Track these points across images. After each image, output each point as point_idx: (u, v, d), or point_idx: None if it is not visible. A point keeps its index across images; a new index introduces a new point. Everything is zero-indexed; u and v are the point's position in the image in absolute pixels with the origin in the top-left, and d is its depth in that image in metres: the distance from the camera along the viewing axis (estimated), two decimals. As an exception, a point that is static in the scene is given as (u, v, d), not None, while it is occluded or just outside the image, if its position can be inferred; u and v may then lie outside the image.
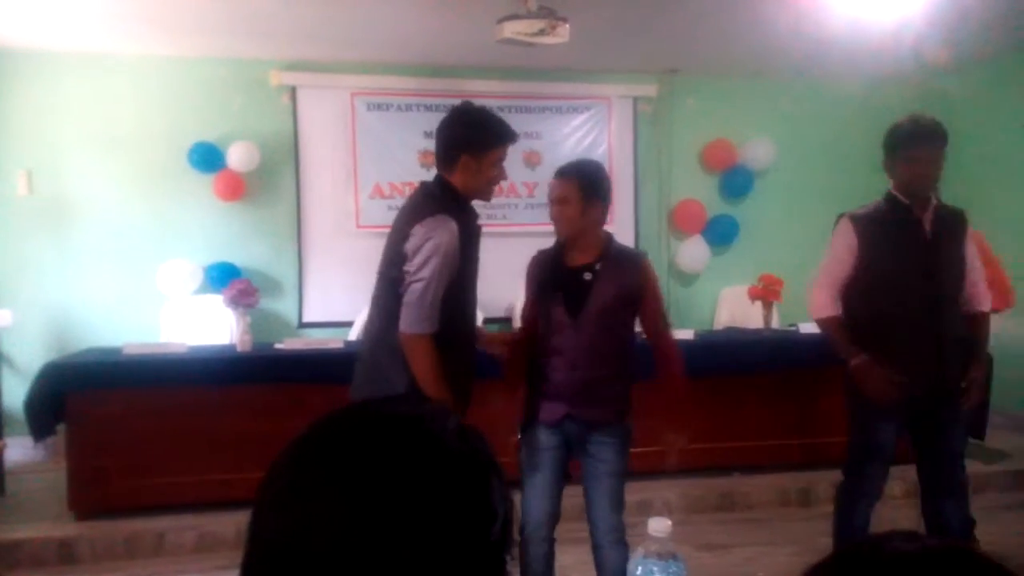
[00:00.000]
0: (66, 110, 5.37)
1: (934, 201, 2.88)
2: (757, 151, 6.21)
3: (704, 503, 4.33)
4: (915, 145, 2.79)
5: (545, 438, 2.70)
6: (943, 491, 2.88)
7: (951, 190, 5.97)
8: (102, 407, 3.89)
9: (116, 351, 4.23)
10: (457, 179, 2.59)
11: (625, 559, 2.59)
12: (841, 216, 2.97)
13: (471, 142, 2.58)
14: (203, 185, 5.48)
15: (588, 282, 2.64)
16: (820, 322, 2.99)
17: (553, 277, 2.68)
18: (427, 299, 2.46)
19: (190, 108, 5.52)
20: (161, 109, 5.49)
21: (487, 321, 5.36)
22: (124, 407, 3.90)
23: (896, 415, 2.86)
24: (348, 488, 0.62)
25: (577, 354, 2.64)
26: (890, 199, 2.90)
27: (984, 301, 2.96)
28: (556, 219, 2.66)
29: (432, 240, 2.46)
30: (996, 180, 5.70)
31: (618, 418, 2.70)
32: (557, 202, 2.64)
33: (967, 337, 2.90)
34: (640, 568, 1.02)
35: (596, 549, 2.72)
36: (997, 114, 5.74)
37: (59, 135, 5.36)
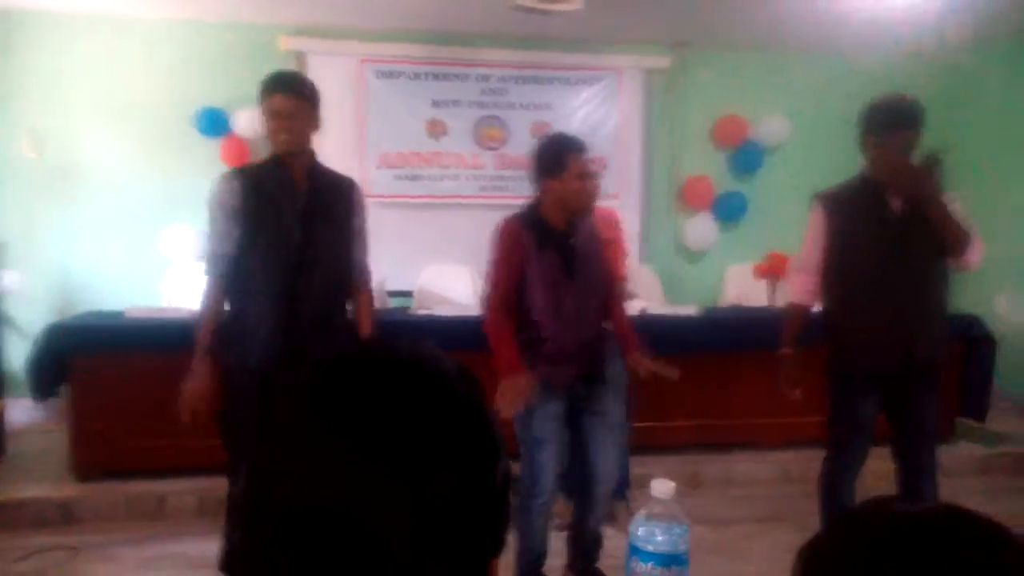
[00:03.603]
0: (74, 72, 5.32)
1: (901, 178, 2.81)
2: (769, 127, 6.14)
3: (705, 479, 4.32)
4: (889, 131, 2.73)
5: (554, 404, 2.71)
6: (920, 469, 2.87)
7: (970, 168, 5.93)
8: (104, 370, 3.88)
9: (118, 314, 4.22)
10: None
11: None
12: (815, 197, 2.99)
13: None
14: (210, 150, 5.44)
15: (574, 245, 2.72)
16: (788, 305, 3.08)
17: (548, 239, 2.69)
18: None
19: (198, 73, 5.47)
20: (169, 73, 5.45)
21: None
22: (126, 370, 3.89)
23: (872, 390, 2.88)
24: (357, 435, 0.59)
25: (579, 314, 2.70)
26: (861, 177, 2.89)
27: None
28: (591, 193, 2.69)
29: None
30: (1016, 158, 5.63)
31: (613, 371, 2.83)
32: (594, 176, 2.71)
33: (944, 312, 2.89)
34: (642, 529, 1.00)
35: (590, 509, 2.78)
36: (1018, 91, 5.65)
37: (67, 98, 5.32)
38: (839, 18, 4.75)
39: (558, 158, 2.66)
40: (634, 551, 1.01)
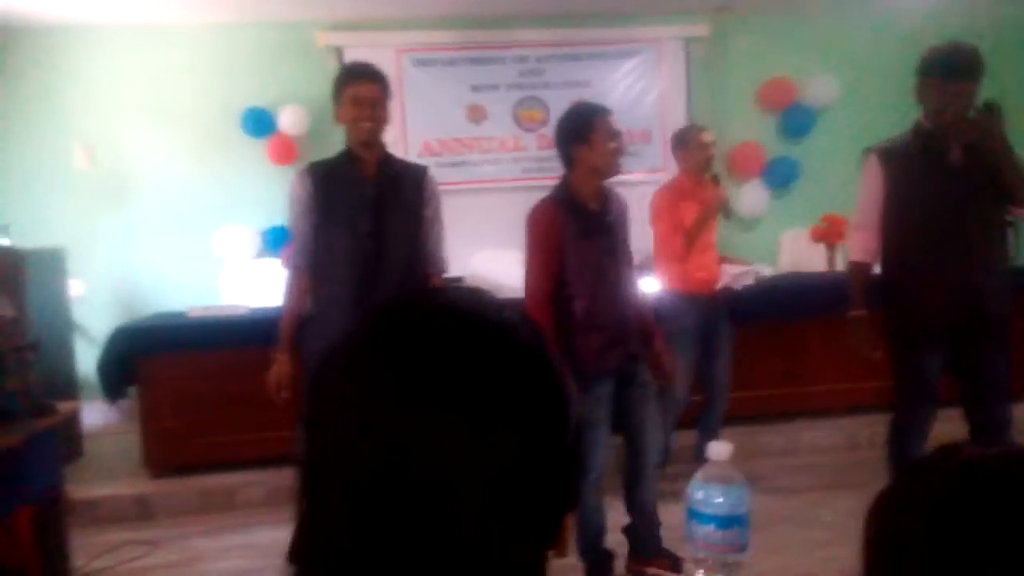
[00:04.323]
0: (121, 82, 5.46)
1: (965, 127, 2.71)
2: (818, 88, 5.97)
3: (770, 448, 4.26)
4: (950, 78, 2.64)
5: (603, 388, 2.69)
6: (992, 427, 2.77)
7: (1019, 118, 5.69)
8: (170, 369, 4.00)
9: (180, 315, 4.34)
10: None
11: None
12: (867, 151, 2.89)
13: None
14: (256, 150, 5.53)
15: (611, 223, 2.70)
16: (850, 264, 3.00)
17: (589, 223, 2.66)
18: None
19: (240, 74, 5.56)
20: (212, 77, 5.55)
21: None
22: (191, 368, 4.01)
23: (937, 349, 2.79)
24: (418, 383, 0.54)
25: (622, 293, 2.71)
26: (916, 129, 2.79)
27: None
28: (621, 154, 2.68)
29: None
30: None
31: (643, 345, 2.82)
32: (622, 139, 2.71)
33: (1010, 264, 2.80)
34: (701, 492, 0.99)
35: (646, 477, 2.78)
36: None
37: (115, 107, 5.46)
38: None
39: (585, 121, 2.63)
40: (693, 514, 1.00)
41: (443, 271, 2.88)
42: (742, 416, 4.35)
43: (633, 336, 2.75)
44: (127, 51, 5.45)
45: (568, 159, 2.67)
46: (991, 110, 2.63)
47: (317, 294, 2.74)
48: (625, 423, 2.80)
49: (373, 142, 2.69)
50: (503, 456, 0.55)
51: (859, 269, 2.94)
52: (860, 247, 2.94)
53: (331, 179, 2.70)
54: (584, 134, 2.60)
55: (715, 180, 3.67)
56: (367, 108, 2.63)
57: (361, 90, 2.63)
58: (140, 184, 5.52)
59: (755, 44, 6.04)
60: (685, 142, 3.80)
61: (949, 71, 2.65)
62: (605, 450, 2.73)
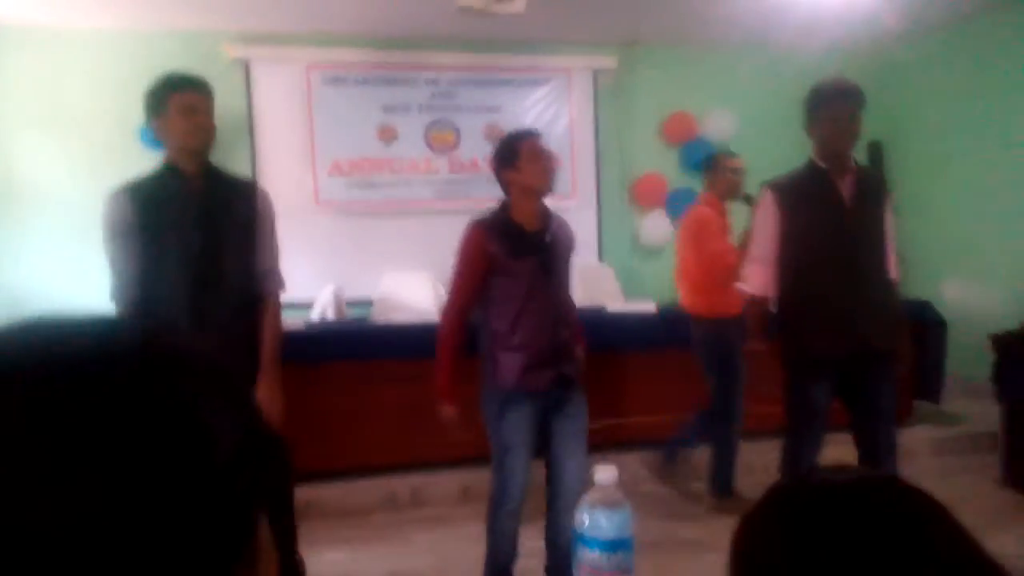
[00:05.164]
0: (11, 86, 5.19)
1: (853, 166, 2.91)
2: (717, 123, 6.22)
3: (671, 472, 4.34)
4: (836, 102, 2.82)
5: (528, 409, 2.68)
6: (879, 452, 2.91)
7: (902, 158, 6.07)
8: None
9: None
10: None
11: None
12: (763, 186, 3.00)
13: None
14: (155, 164, 5.33)
15: (550, 243, 2.72)
16: (747, 300, 3.12)
17: (522, 244, 2.68)
18: None
19: (141, 84, 5.31)
20: (111, 85, 5.34)
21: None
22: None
23: (826, 378, 2.91)
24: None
25: (557, 313, 2.71)
26: (809, 165, 2.93)
27: (893, 270, 2.99)
28: (552, 171, 2.72)
29: None
30: (946, 148, 5.78)
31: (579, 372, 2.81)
32: (550, 156, 2.75)
33: (895, 300, 2.98)
34: (586, 517, 1.00)
35: (562, 512, 2.72)
36: (950, 82, 5.81)
37: (5, 111, 5.18)
38: (779, 12, 4.84)
39: (510, 147, 2.70)
40: (580, 539, 1.01)
41: (281, 289, 2.75)
42: (641, 440, 4.42)
43: (567, 359, 2.74)
44: (20, 52, 5.19)
45: (502, 184, 2.74)
46: (876, 150, 2.80)
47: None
48: (548, 453, 2.77)
49: (205, 152, 2.55)
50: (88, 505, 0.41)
51: (756, 304, 3.06)
52: (757, 281, 3.03)
53: (153, 198, 2.51)
54: (511, 159, 2.68)
55: (750, 201, 3.60)
56: (201, 116, 2.50)
57: (189, 99, 2.50)
58: (30, 193, 5.25)
59: (659, 78, 6.26)
60: (714, 167, 3.89)
61: (836, 95, 2.83)
62: (524, 477, 2.69)
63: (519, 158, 2.67)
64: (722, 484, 3.84)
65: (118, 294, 2.54)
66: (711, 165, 3.94)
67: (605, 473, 1.03)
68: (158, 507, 0.43)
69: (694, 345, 3.83)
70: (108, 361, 0.46)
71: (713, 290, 3.71)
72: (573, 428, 2.74)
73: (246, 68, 5.53)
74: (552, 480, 2.79)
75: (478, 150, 5.85)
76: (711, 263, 3.71)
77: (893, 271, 2.98)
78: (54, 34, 5.21)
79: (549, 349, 2.68)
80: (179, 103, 2.49)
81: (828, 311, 2.84)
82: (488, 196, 5.69)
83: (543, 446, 2.77)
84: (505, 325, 2.67)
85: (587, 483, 2.75)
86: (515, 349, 2.66)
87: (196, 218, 2.51)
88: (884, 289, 2.92)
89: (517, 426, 2.66)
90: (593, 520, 0.99)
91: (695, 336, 3.81)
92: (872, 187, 2.95)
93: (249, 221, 2.63)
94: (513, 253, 2.65)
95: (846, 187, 2.86)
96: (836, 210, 2.84)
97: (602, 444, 4.02)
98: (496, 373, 2.68)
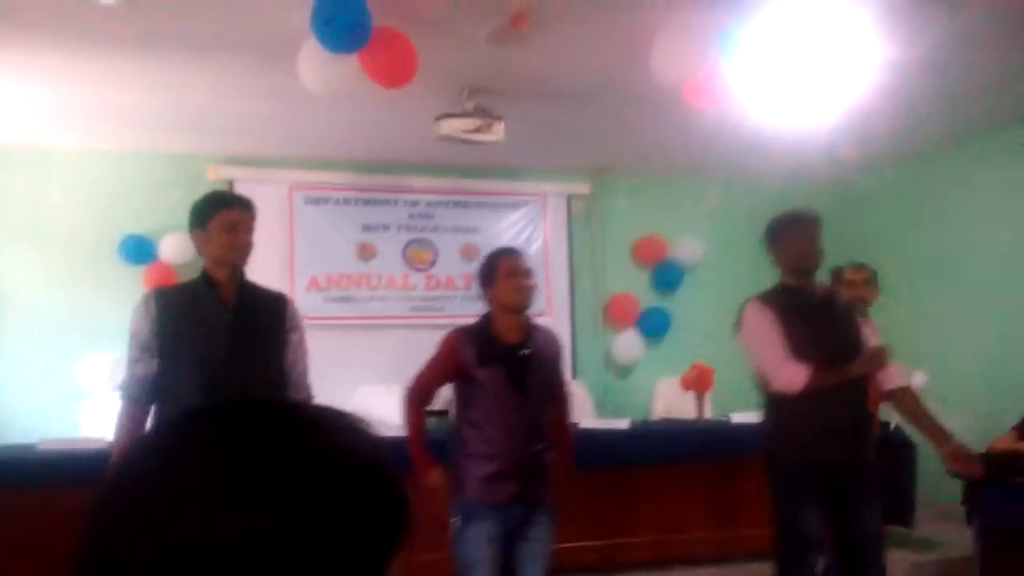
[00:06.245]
0: (-5, 201, 5.27)
1: (821, 285, 3.09)
2: (686, 247, 6.45)
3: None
4: (801, 224, 2.99)
5: (491, 523, 2.65)
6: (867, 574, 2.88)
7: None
8: (15, 506, 3.67)
9: (31, 447, 4.02)
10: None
11: None
12: (747, 303, 3.04)
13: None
14: (133, 278, 5.35)
15: (527, 357, 2.74)
16: (808, 384, 2.83)
17: (493, 353, 2.71)
18: None
19: (123, 202, 5.48)
20: (93, 202, 5.44)
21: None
22: (38, 506, 3.68)
23: (816, 495, 2.88)
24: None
25: (525, 429, 2.70)
26: (785, 287, 3.02)
27: (897, 378, 3.05)
28: (528, 289, 2.78)
29: None
30: (908, 276, 5.99)
31: (550, 494, 2.77)
32: (528, 275, 2.80)
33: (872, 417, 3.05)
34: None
35: None
36: (909, 212, 6.11)
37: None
38: (742, 145, 5.12)
39: (490, 265, 2.81)
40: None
41: (310, 400, 2.78)
42: (620, 563, 4.35)
43: (536, 477, 2.71)
44: (6, 169, 5.29)
45: (485, 301, 2.84)
46: (836, 273, 2.93)
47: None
48: None
49: (240, 265, 2.66)
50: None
51: (813, 379, 2.84)
52: (792, 373, 2.85)
53: (182, 305, 2.62)
54: (489, 276, 2.79)
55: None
56: (241, 234, 2.61)
57: (233, 215, 2.61)
58: (5, 306, 5.23)
59: (631, 203, 6.51)
60: (837, 280, 3.86)
61: (801, 218, 3.02)
62: None
63: (496, 275, 2.76)
64: None
65: (127, 390, 2.64)
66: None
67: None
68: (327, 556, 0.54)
69: None
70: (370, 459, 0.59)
71: None
72: (533, 553, 2.70)
73: (229, 187, 5.67)
74: None
75: (454, 268, 5.99)
76: None
77: (900, 379, 3.03)
78: (38, 152, 5.33)
79: (514, 462, 2.66)
80: (223, 220, 2.60)
81: (825, 420, 2.83)
82: (463, 313, 5.83)
83: (506, 568, 2.71)
84: (472, 434, 2.70)
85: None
86: (479, 458, 2.67)
87: (223, 329, 2.59)
88: (866, 400, 2.97)
89: (480, 541, 2.63)
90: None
91: None
92: (845, 304, 3.11)
93: (277, 334, 2.71)
94: (481, 361, 2.69)
95: (820, 303, 2.99)
96: (827, 322, 2.94)
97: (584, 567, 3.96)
98: (462, 482, 2.68)
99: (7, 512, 3.66)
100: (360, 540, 0.56)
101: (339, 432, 0.60)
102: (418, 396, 2.81)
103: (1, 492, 3.68)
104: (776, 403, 3.00)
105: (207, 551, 0.51)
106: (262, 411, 0.61)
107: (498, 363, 2.70)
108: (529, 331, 2.81)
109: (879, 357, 2.91)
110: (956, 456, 2.88)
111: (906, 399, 3.05)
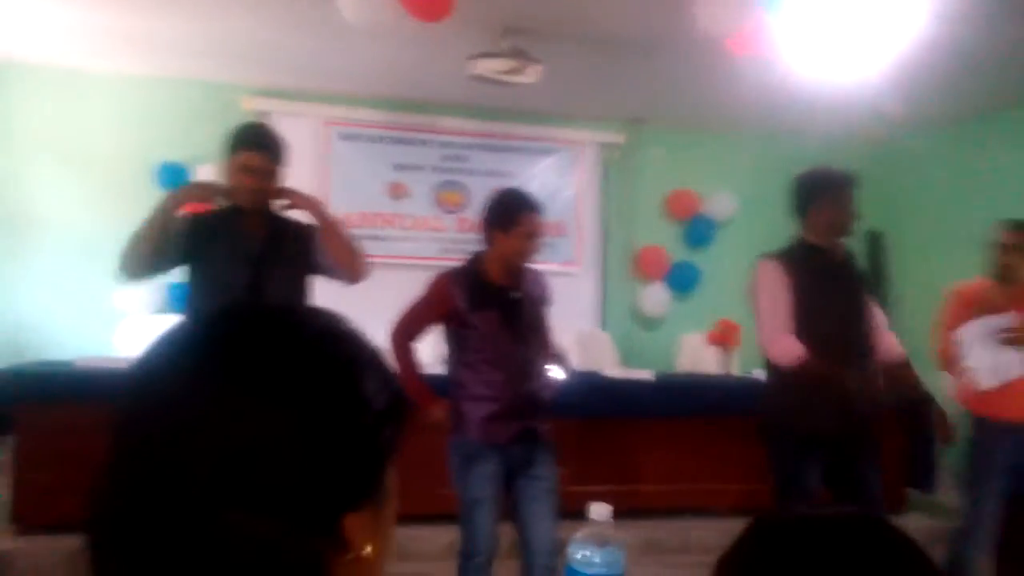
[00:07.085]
0: (34, 122, 5.34)
1: (843, 247, 3.00)
2: (719, 203, 6.37)
3: (660, 546, 4.31)
4: (836, 187, 2.88)
5: (492, 463, 2.68)
6: None
7: (902, 248, 6.18)
8: (51, 420, 3.80)
9: (68, 363, 4.15)
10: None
11: None
12: (760, 260, 2.95)
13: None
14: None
15: (518, 300, 2.74)
16: (796, 366, 2.81)
17: (485, 297, 2.71)
18: None
19: (159, 128, 5.52)
20: (130, 127, 5.49)
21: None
22: (74, 421, 3.81)
23: (817, 456, 2.85)
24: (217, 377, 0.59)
25: (522, 369, 2.71)
26: (803, 244, 2.94)
27: (898, 348, 3.06)
28: (532, 253, 2.72)
29: None
30: (946, 239, 5.88)
31: (549, 431, 2.79)
32: (540, 238, 2.73)
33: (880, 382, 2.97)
34: (580, 552, 1.05)
35: (534, 570, 2.70)
36: (951, 175, 5.96)
37: (22, 147, 5.32)
38: (784, 99, 5.01)
39: (511, 214, 2.70)
40: (571, 573, 1.06)
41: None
42: (634, 509, 4.41)
43: (534, 415, 2.74)
44: (44, 92, 5.35)
45: (485, 237, 2.77)
46: (876, 239, 2.88)
47: None
48: (514, 517, 2.76)
49: (256, 210, 2.68)
50: (235, 440, 0.56)
51: (807, 364, 2.81)
52: (787, 346, 2.80)
53: (212, 229, 2.67)
54: (505, 225, 2.68)
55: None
56: (253, 177, 2.61)
57: (245, 159, 2.60)
58: (41, 227, 5.34)
59: (664, 156, 6.42)
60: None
61: (840, 180, 2.90)
62: (492, 530, 2.69)
63: (515, 225, 2.67)
64: None
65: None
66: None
67: (600, 509, 1.08)
68: (326, 443, 0.59)
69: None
70: (333, 339, 0.65)
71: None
72: (540, 490, 2.72)
73: (264, 120, 5.67)
74: (522, 545, 2.75)
75: (485, 213, 5.98)
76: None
77: (899, 349, 3.05)
78: (77, 75, 5.38)
79: (513, 402, 2.68)
80: (238, 161, 2.61)
81: (829, 387, 2.76)
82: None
83: (511, 508, 2.75)
84: (469, 376, 2.71)
85: (560, 546, 2.79)
86: (479, 400, 2.68)
87: (249, 256, 2.64)
88: (874, 359, 2.94)
89: (482, 480, 2.67)
90: (586, 556, 1.04)
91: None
92: (859, 269, 3.08)
93: (303, 261, 2.75)
94: (474, 306, 2.69)
95: (839, 268, 2.94)
96: (839, 286, 2.90)
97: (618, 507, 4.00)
98: (461, 424, 2.71)
99: (43, 425, 3.80)
100: (368, 435, 0.63)
101: (343, 337, 0.66)
102: (406, 335, 2.80)
103: (38, 404, 3.81)
104: (775, 367, 2.94)
105: (238, 457, 0.56)
106: (272, 318, 0.67)
107: (491, 307, 2.69)
108: (519, 274, 2.78)
109: (943, 424, 2.99)
110: (939, 421, 2.96)
111: (903, 373, 3.03)
